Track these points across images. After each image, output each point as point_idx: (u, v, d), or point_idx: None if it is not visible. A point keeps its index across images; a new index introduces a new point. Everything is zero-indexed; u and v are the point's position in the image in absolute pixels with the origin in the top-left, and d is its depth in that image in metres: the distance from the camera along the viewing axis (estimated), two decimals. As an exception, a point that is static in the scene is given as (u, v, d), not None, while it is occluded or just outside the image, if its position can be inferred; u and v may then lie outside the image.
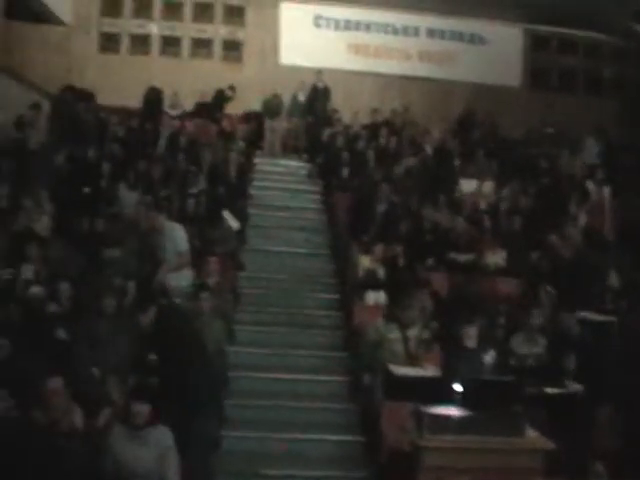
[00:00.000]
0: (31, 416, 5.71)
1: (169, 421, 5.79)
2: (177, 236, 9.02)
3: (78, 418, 5.92)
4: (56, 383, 5.68)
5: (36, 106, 12.88)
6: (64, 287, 8.11)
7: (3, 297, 7.95)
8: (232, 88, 15.48)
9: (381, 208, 11.39)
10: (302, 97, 15.59)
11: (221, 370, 7.86)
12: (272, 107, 15.50)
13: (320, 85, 15.21)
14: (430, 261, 10.57)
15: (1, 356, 6.75)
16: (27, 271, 8.82)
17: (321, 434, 8.08)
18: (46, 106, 13.76)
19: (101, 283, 8.61)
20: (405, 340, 7.79)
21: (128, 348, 7.21)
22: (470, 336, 7.76)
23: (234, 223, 11.07)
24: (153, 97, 14.65)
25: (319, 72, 15.27)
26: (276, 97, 15.66)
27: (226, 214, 11.02)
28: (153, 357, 6.93)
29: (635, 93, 17.10)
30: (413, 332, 7.87)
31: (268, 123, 15.37)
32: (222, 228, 10.54)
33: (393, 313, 7.98)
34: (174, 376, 6.52)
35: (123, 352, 7.17)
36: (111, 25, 17.47)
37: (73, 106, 13.51)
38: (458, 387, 6.88)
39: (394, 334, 7.76)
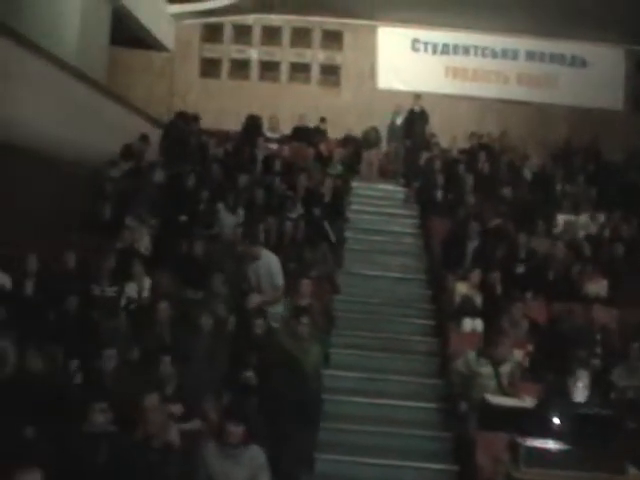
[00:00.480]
0: (128, 431, 5.86)
1: (263, 441, 5.84)
2: (274, 269, 9.08)
3: (173, 434, 6.02)
4: (153, 399, 5.81)
5: (145, 138, 13.30)
6: (162, 307, 8.27)
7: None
8: (323, 120, 15.57)
9: (472, 245, 11.19)
10: (399, 121, 15.57)
11: (317, 393, 7.87)
12: (370, 139, 15.53)
13: (417, 109, 15.18)
14: (528, 289, 10.33)
15: (109, 367, 6.95)
16: (131, 289, 9.08)
17: (414, 461, 7.98)
18: (148, 129, 14.20)
19: (198, 302, 8.82)
20: (497, 375, 7.72)
21: (225, 366, 7.33)
22: (579, 387, 7.43)
23: (332, 236, 11.14)
24: (252, 124, 14.89)
25: (418, 96, 15.23)
26: (374, 129, 15.67)
27: (326, 225, 11.15)
28: (250, 374, 7.02)
29: None
30: (505, 368, 7.79)
31: (366, 154, 15.38)
32: (319, 251, 10.58)
33: (487, 348, 7.86)
34: (271, 397, 6.58)
35: (219, 370, 7.28)
36: (212, 50, 17.94)
37: (182, 130, 13.92)
38: (556, 420, 6.72)
39: (485, 369, 7.71)
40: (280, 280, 9.04)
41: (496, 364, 7.72)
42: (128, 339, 7.87)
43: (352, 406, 8.77)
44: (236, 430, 5.58)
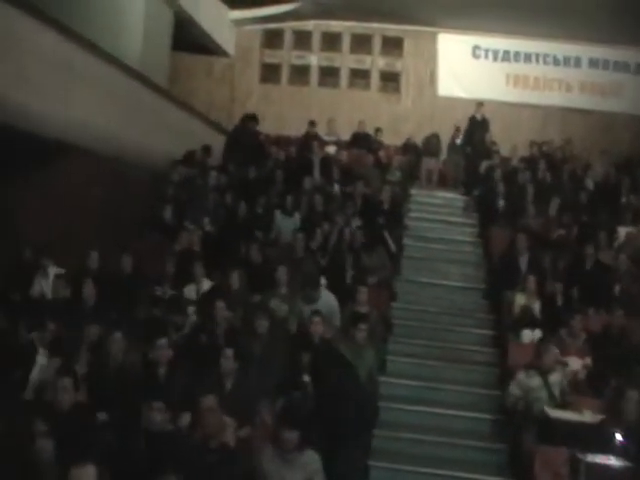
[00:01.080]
0: (186, 431, 5.90)
1: (319, 446, 5.82)
2: (333, 309, 8.97)
3: (230, 435, 6.04)
4: (211, 401, 5.83)
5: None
6: (220, 305, 8.31)
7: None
8: (379, 130, 15.51)
9: (523, 260, 11.00)
10: (459, 142, 15.43)
11: (372, 399, 7.82)
12: (431, 146, 15.44)
13: (478, 116, 15.04)
14: (590, 301, 10.13)
15: (161, 356, 6.99)
16: (190, 291, 9.15)
17: (469, 472, 7.85)
18: (209, 134, 14.35)
19: (255, 305, 8.86)
20: (547, 385, 7.72)
21: (280, 370, 7.33)
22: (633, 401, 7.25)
23: (392, 246, 11.09)
24: (311, 129, 14.94)
25: (480, 104, 15.07)
26: (435, 137, 15.58)
27: (386, 234, 11.08)
28: (306, 379, 7.01)
29: None
30: (555, 378, 7.81)
31: (426, 161, 15.29)
32: (377, 257, 10.53)
33: (534, 359, 7.91)
34: (326, 403, 6.55)
35: (275, 374, 7.28)
36: (272, 56, 18.05)
37: (244, 134, 14.04)
38: (619, 436, 6.57)
39: (534, 380, 7.73)
40: (338, 321, 8.93)
41: (544, 373, 7.73)
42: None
43: (407, 414, 8.70)
44: (291, 436, 5.57)
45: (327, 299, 9.05)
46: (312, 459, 5.69)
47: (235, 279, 9.29)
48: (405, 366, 9.50)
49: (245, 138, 13.98)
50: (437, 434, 8.34)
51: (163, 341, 7.09)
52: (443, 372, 9.45)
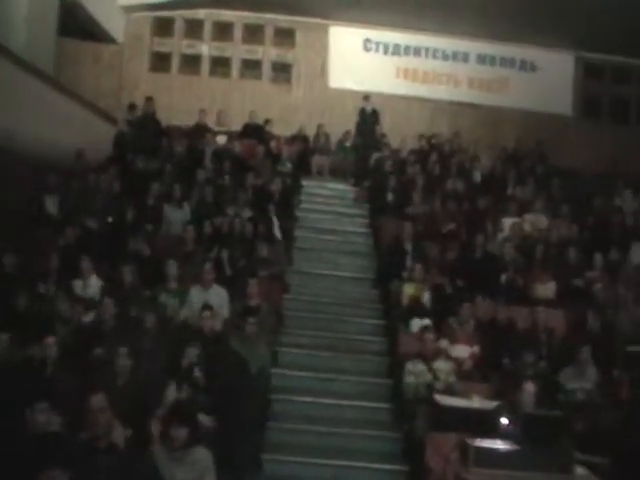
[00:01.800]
0: (73, 432, 5.69)
1: (211, 442, 5.72)
2: (223, 302, 8.96)
3: (119, 435, 5.87)
4: (100, 400, 5.64)
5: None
6: (107, 302, 8.12)
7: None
8: (268, 121, 15.39)
9: (410, 250, 11.22)
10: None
11: (264, 392, 7.78)
12: (320, 145, 15.46)
13: (368, 109, 15.15)
14: (477, 290, 10.38)
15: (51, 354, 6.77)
16: (77, 287, 8.88)
17: (364, 462, 7.92)
18: (97, 123, 13.95)
19: (144, 299, 8.69)
20: (432, 373, 8.12)
21: (171, 366, 7.20)
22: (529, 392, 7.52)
23: (279, 234, 11.05)
24: (202, 121, 14.73)
25: (366, 97, 15.16)
26: (324, 135, 15.63)
27: (274, 221, 11.11)
28: (197, 374, 6.90)
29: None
30: (440, 365, 8.20)
31: (316, 157, 15.28)
32: (272, 249, 10.49)
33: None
34: (217, 397, 6.47)
35: (166, 369, 7.15)
36: (162, 44, 17.67)
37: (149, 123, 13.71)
38: (504, 420, 6.74)
39: (420, 369, 8.16)
40: (227, 312, 8.94)
41: (428, 361, 8.17)
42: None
43: (300, 406, 8.69)
44: (179, 433, 5.43)
45: (217, 292, 8.97)
46: (203, 456, 5.55)
47: (127, 273, 9.08)
48: (297, 357, 9.49)
49: (146, 126, 13.63)
50: (330, 424, 8.36)
51: (51, 339, 6.85)
52: (335, 362, 9.49)
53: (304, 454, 7.86)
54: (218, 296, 8.90)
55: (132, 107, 14.04)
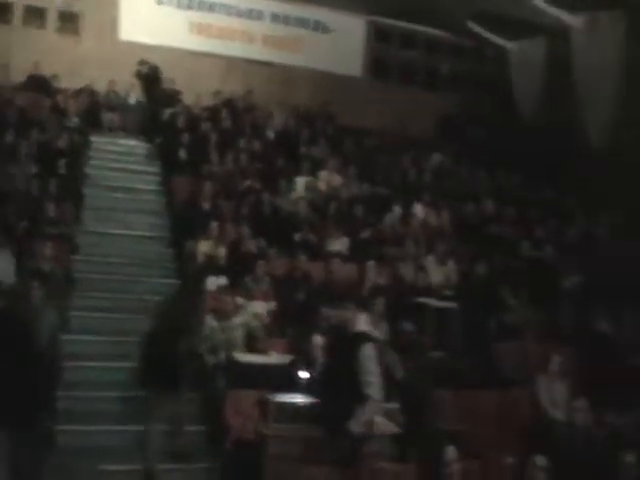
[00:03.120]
0: None
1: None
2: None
3: None
4: None
5: None
6: None
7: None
8: (55, 76, 14.55)
9: (206, 208, 11.16)
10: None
11: (55, 360, 7.35)
12: (110, 102, 14.86)
13: (144, 69, 14.78)
14: (272, 246, 10.45)
15: None
16: None
17: (162, 425, 7.69)
18: None
19: None
20: (228, 331, 8.20)
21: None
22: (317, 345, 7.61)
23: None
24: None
25: (142, 61, 14.69)
26: (113, 93, 15.05)
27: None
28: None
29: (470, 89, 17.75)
30: (236, 322, 8.32)
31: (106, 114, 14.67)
32: (62, 209, 9.94)
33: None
34: (5, 370, 6.03)
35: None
36: None
37: None
38: (303, 374, 6.82)
39: (213, 325, 8.24)
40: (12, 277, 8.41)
41: (223, 319, 8.25)
42: None
43: (91, 371, 8.39)
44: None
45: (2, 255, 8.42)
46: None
47: None
48: (90, 321, 9.16)
49: None
50: (122, 389, 8.06)
51: None
52: (129, 324, 9.08)
53: (96, 422, 7.61)
54: (3, 260, 8.33)
55: None
